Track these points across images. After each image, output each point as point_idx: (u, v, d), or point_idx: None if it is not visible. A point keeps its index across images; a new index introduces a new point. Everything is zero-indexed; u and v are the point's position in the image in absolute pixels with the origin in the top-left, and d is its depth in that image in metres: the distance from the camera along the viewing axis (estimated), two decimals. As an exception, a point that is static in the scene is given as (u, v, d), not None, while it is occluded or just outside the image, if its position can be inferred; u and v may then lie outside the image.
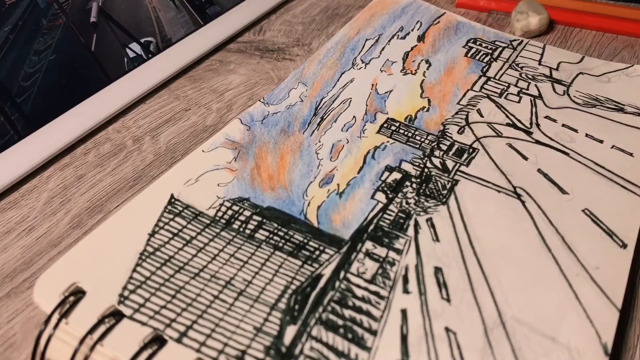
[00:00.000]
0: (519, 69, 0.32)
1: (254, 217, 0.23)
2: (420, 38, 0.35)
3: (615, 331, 0.19)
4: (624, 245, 0.22)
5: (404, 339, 0.19)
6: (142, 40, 0.35)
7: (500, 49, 0.34)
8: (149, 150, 0.30)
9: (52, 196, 0.27)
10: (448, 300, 0.20)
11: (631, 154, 0.27)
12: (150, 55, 0.35)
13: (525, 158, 0.26)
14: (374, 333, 0.19)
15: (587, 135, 0.28)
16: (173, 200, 0.23)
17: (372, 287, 0.21)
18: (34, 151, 0.28)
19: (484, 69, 0.32)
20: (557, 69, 0.33)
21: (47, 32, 0.32)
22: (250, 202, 0.24)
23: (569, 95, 0.30)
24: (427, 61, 0.33)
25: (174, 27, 0.37)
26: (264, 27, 0.40)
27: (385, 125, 0.28)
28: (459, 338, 0.19)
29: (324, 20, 0.40)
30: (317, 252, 0.22)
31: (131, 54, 0.34)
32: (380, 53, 0.33)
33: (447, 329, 0.19)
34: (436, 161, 0.26)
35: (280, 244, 0.22)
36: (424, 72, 0.32)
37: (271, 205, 0.24)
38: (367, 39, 0.34)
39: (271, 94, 0.30)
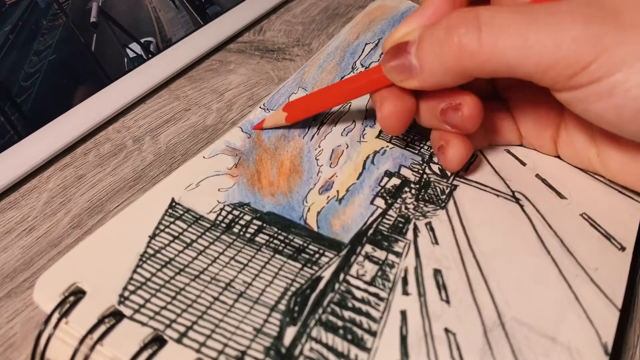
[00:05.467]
0: None
1: (254, 221, 0.23)
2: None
3: (615, 331, 0.19)
4: (623, 248, 0.22)
5: (403, 339, 0.19)
6: (142, 40, 0.35)
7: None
8: (149, 150, 0.30)
9: (52, 196, 0.27)
10: (447, 301, 0.20)
11: None
12: (150, 55, 0.35)
13: (524, 163, 0.26)
14: (373, 334, 0.19)
15: None
16: (174, 204, 0.23)
17: (372, 289, 0.21)
18: (34, 151, 0.28)
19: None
20: None
21: (47, 32, 0.32)
22: (251, 207, 0.24)
23: None
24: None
25: (174, 27, 0.37)
26: (264, 27, 0.40)
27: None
28: (458, 339, 0.19)
29: (324, 20, 0.40)
30: (317, 255, 0.22)
31: (131, 54, 0.34)
32: (380, 57, 0.33)
33: (446, 330, 0.20)
34: (435, 167, 0.26)
35: (280, 248, 0.22)
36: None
37: (271, 211, 0.24)
38: (366, 43, 0.34)
39: (271, 99, 0.30)
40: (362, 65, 0.32)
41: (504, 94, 0.27)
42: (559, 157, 0.26)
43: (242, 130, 0.28)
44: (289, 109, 0.27)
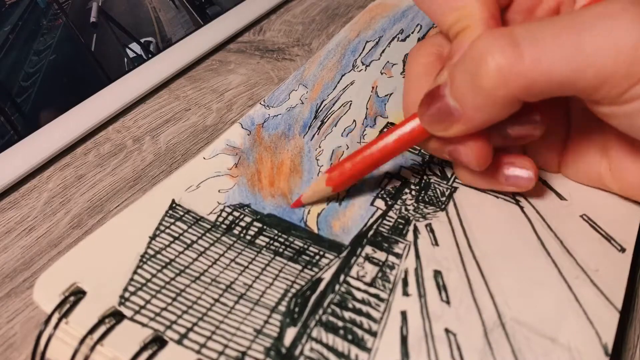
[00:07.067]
0: None
1: (255, 223, 0.23)
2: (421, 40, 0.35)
3: (615, 332, 0.19)
4: (623, 250, 0.22)
5: (404, 340, 0.19)
6: (142, 40, 0.35)
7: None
8: (149, 150, 0.30)
9: (52, 196, 0.27)
10: (448, 302, 0.20)
11: None
12: (150, 55, 0.35)
13: None
14: (374, 334, 0.19)
15: None
16: (174, 205, 0.23)
17: (372, 290, 0.21)
18: (34, 151, 0.28)
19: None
20: None
21: (47, 32, 0.32)
22: (251, 208, 0.24)
23: None
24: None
25: (174, 27, 0.37)
26: (264, 27, 0.40)
27: (385, 130, 0.28)
28: (458, 339, 0.19)
29: (324, 20, 0.41)
30: (317, 257, 0.22)
31: (131, 54, 0.34)
32: (381, 55, 0.33)
33: (447, 330, 0.20)
34: (435, 168, 0.26)
35: (281, 250, 0.22)
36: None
37: (272, 213, 0.24)
38: (367, 41, 0.34)
39: (272, 95, 0.30)
40: (363, 63, 0.32)
41: None
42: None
43: (242, 127, 0.28)
44: (333, 181, 0.23)
